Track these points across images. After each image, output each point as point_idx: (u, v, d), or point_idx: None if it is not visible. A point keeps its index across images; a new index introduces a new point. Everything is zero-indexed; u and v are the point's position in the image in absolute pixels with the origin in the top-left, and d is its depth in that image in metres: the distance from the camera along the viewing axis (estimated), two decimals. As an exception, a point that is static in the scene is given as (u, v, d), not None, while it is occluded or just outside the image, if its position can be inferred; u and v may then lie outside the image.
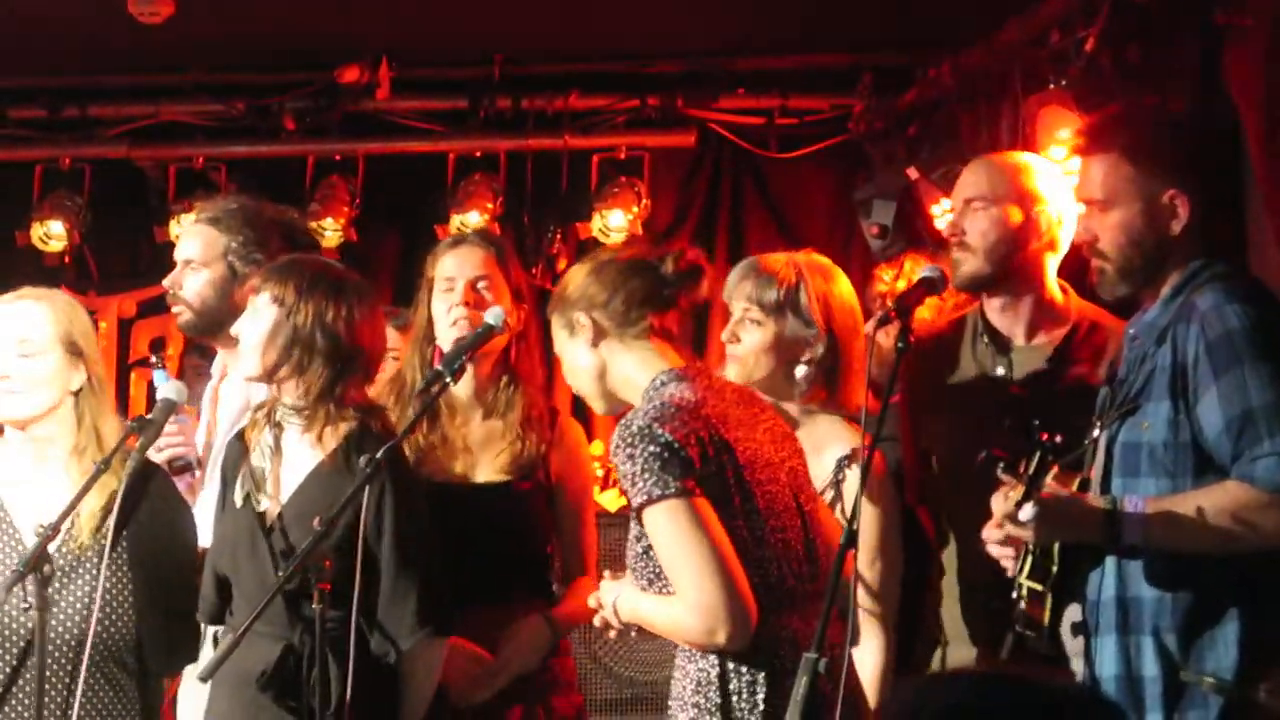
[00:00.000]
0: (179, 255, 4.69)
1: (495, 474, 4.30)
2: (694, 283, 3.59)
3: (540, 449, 4.30)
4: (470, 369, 4.17)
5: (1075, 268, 4.07)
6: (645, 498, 3.30)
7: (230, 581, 4.01)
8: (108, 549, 4.00)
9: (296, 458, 4.01)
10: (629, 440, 3.33)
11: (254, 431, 4.07)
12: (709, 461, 3.35)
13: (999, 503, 3.37)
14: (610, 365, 3.56)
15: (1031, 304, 4.16)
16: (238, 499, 4.02)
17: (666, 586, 3.36)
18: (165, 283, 4.69)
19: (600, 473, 5.97)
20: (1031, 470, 3.27)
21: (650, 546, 3.37)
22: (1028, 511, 3.25)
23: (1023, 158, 4.35)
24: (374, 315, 4.07)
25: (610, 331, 3.55)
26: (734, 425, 3.45)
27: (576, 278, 3.63)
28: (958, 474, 4.03)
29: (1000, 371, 4.16)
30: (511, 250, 4.45)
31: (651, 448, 3.30)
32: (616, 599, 3.50)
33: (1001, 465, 3.35)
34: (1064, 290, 4.20)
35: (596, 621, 3.62)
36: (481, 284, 4.31)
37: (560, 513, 4.36)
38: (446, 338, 4.30)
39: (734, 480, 3.38)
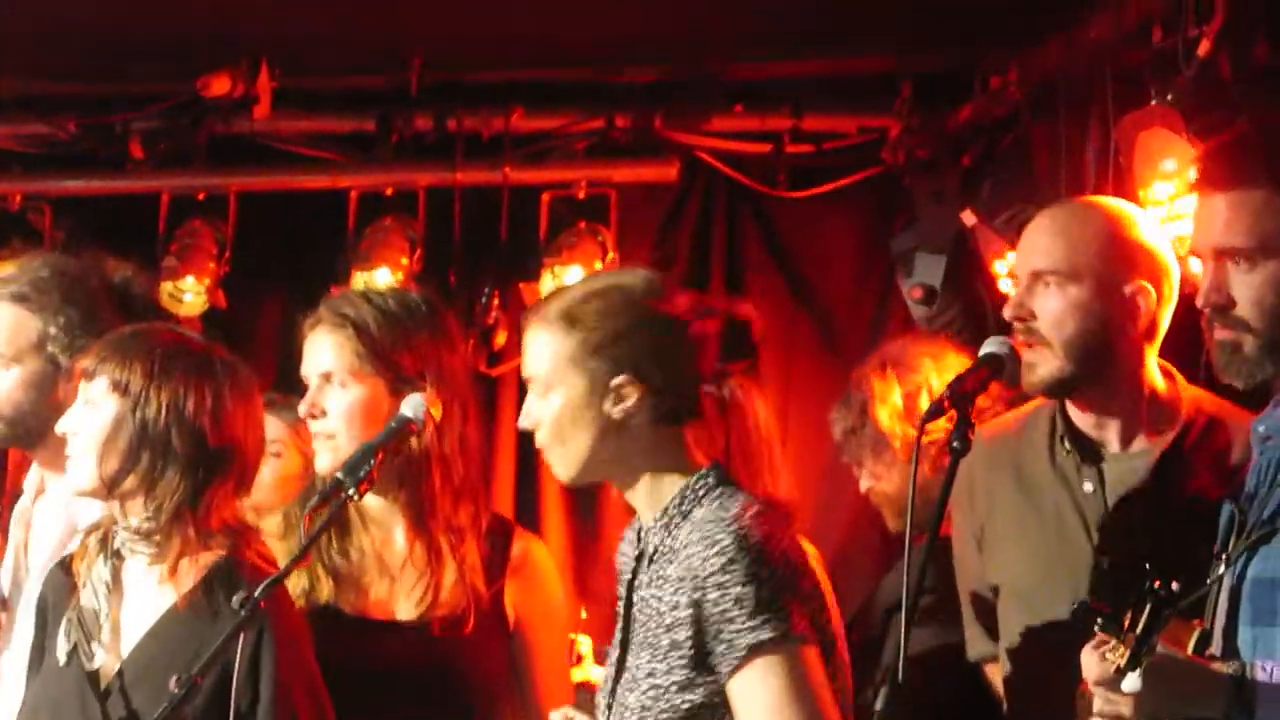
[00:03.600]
0: None
1: (422, 610, 4.25)
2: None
3: (485, 581, 4.27)
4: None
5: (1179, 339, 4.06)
6: (758, 638, 3.37)
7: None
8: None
9: (142, 597, 4.01)
10: (756, 553, 3.37)
11: (82, 562, 4.04)
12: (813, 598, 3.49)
13: (1092, 663, 3.35)
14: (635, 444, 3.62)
15: (1127, 401, 4.11)
16: (61, 652, 3.99)
17: None
18: None
19: (586, 645, 5.80)
20: (1140, 628, 3.25)
21: (710, 707, 3.43)
22: (1132, 682, 3.23)
23: (1115, 207, 4.25)
24: (249, 404, 4.07)
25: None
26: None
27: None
28: (1036, 625, 4.05)
29: (1089, 488, 4.11)
30: (393, 317, 4.33)
31: (780, 569, 3.37)
32: None
33: (1100, 620, 3.31)
34: (1168, 376, 4.15)
35: None
36: (336, 381, 4.28)
37: (525, 671, 4.34)
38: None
39: (823, 631, 3.52)
